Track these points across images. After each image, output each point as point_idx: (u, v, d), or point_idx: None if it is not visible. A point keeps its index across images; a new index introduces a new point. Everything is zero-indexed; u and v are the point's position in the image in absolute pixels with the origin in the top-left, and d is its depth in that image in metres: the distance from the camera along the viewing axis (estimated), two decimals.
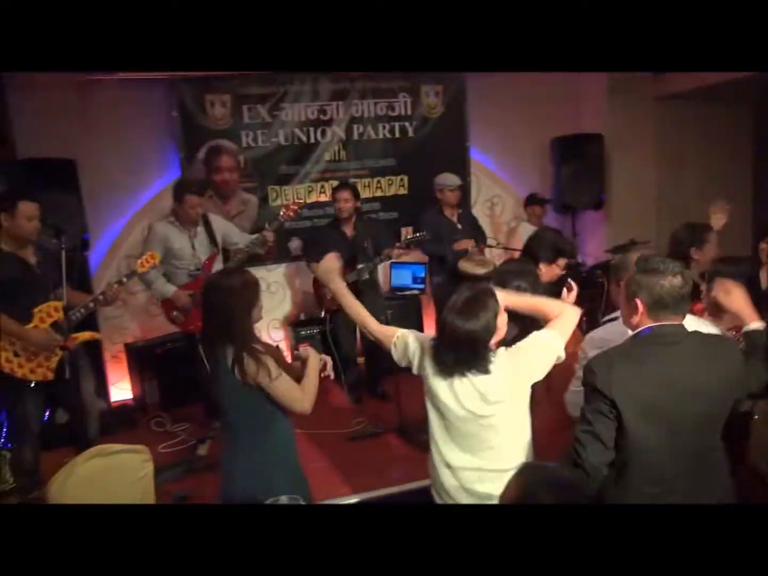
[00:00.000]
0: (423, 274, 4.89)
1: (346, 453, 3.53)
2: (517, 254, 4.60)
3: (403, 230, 5.12)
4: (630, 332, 1.75)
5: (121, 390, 4.60)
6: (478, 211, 5.20)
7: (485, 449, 1.86)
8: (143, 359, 4.37)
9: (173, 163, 4.56)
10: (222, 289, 2.00)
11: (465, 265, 4.17)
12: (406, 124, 5.00)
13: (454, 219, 4.52)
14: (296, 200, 4.72)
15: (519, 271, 2.20)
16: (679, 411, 1.63)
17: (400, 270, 4.95)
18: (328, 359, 2.21)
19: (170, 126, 4.50)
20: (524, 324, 1.95)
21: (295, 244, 4.90)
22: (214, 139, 4.57)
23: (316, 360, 2.11)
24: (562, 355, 1.84)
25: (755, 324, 1.94)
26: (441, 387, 1.85)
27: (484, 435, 1.84)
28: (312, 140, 4.79)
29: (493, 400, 1.79)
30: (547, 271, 2.55)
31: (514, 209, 5.46)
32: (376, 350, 2.23)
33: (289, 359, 3.01)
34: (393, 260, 4.36)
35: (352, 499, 3.06)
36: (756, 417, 2.28)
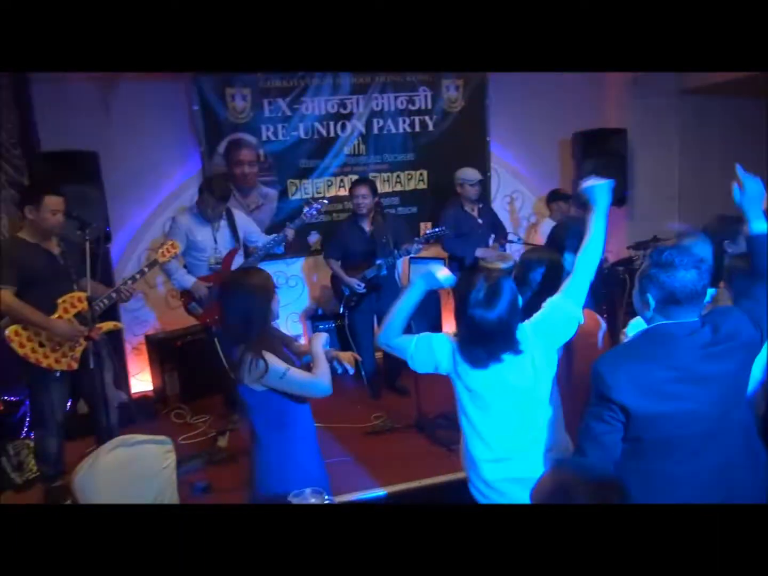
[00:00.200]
0: None
1: (364, 448, 3.53)
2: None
3: (422, 225, 5.09)
4: None
5: (141, 381, 4.64)
6: (498, 206, 5.16)
7: (528, 430, 1.87)
8: (164, 351, 4.40)
9: (194, 156, 4.58)
10: (236, 289, 2.00)
11: (485, 261, 4.16)
12: (427, 118, 4.97)
13: (475, 214, 4.49)
14: (317, 196, 4.72)
15: (544, 259, 2.18)
16: (692, 398, 1.58)
17: (418, 265, 4.91)
18: (351, 356, 2.21)
19: (191, 119, 4.52)
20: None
21: (314, 238, 4.90)
22: (234, 132, 4.58)
23: (317, 341, 2.09)
24: (581, 317, 1.86)
25: (763, 225, 1.80)
26: (478, 379, 1.84)
27: (527, 414, 1.86)
28: (332, 134, 4.78)
29: (529, 375, 1.82)
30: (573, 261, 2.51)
31: (534, 204, 5.41)
32: None
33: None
34: (412, 255, 4.34)
35: (370, 494, 3.06)
36: None
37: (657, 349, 1.61)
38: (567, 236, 2.50)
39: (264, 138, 4.65)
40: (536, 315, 1.90)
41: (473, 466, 1.96)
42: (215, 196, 3.73)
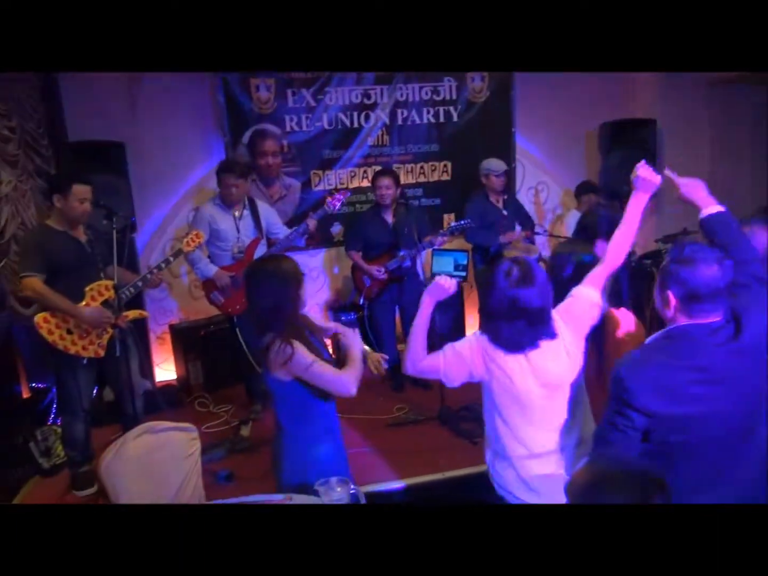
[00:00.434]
0: (465, 261, 4.81)
1: (387, 439, 3.52)
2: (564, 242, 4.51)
3: (446, 217, 5.06)
4: None
5: (165, 370, 4.69)
6: (522, 198, 5.09)
7: (562, 424, 1.86)
8: (187, 340, 4.43)
9: (218, 147, 4.59)
10: (264, 276, 1.98)
11: (510, 252, 4.12)
12: (451, 108, 4.91)
13: (500, 205, 4.44)
14: (340, 187, 4.70)
15: (576, 252, 2.14)
16: (718, 399, 1.54)
17: (441, 257, 4.88)
18: (379, 359, 2.19)
19: (215, 110, 4.53)
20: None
21: (336, 229, 4.89)
22: (258, 123, 4.58)
23: (356, 341, 2.07)
24: (601, 303, 1.88)
25: (713, 208, 1.83)
26: (514, 371, 1.82)
27: (560, 407, 1.85)
28: (356, 125, 4.76)
29: (564, 362, 1.82)
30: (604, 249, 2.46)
31: (560, 196, 5.33)
32: None
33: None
34: (435, 247, 4.31)
35: (391, 486, 3.06)
36: None
37: (680, 350, 1.56)
38: (597, 224, 2.46)
39: (288, 128, 4.64)
40: (562, 303, 1.91)
41: (508, 465, 1.92)
42: (235, 172, 3.72)
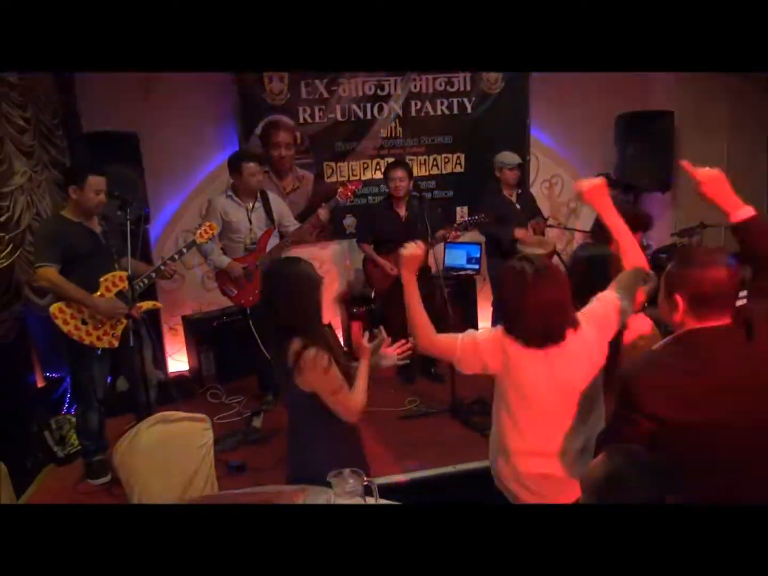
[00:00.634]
0: (478, 255, 4.81)
1: (398, 432, 3.52)
2: (578, 235, 4.47)
3: (458, 209, 5.03)
4: None
5: (177, 361, 4.72)
6: (537, 191, 5.05)
7: (570, 428, 1.84)
8: (200, 332, 4.45)
9: (231, 138, 4.58)
10: (288, 279, 1.93)
11: (524, 245, 4.08)
12: (465, 100, 4.87)
13: (513, 199, 4.40)
14: (352, 179, 4.69)
15: (595, 256, 2.11)
16: (730, 406, 1.49)
17: (454, 250, 4.87)
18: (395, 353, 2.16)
19: (229, 101, 4.52)
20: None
21: (349, 221, 4.88)
22: (271, 114, 4.57)
23: (366, 367, 2.03)
24: (631, 310, 1.87)
25: (744, 211, 1.72)
26: (529, 371, 1.80)
27: (572, 411, 1.83)
28: (369, 116, 4.73)
29: (584, 365, 1.80)
30: None
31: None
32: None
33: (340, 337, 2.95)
34: (447, 241, 4.28)
35: (403, 478, 3.06)
36: None
37: (690, 355, 1.53)
38: None
39: (301, 120, 4.62)
40: (586, 307, 1.87)
41: (506, 459, 1.92)
42: (260, 161, 3.72)
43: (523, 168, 4.70)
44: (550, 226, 4.42)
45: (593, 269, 2.13)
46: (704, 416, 1.50)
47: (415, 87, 4.76)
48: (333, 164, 4.77)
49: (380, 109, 4.74)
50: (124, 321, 3.01)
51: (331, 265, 4.98)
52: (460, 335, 1.90)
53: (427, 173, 4.94)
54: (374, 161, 4.82)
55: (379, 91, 4.71)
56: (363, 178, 4.77)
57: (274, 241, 3.84)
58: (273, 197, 3.95)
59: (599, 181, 1.98)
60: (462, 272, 4.82)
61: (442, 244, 4.65)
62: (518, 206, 4.38)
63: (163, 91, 4.35)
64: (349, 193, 3.82)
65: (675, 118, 4.93)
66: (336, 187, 4.16)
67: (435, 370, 4.22)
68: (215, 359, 4.43)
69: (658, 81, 5.06)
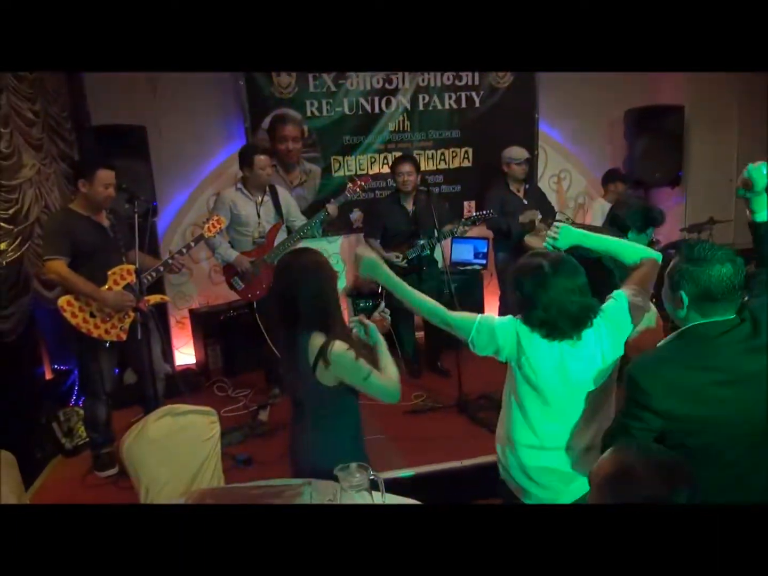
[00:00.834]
0: (485, 249, 4.79)
1: (405, 426, 3.52)
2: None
3: (466, 204, 5.01)
4: None
5: (184, 354, 4.73)
6: (544, 186, 5.02)
7: (579, 424, 1.83)
8: (207, 325, 4.46)
9: (238, 132, 4.58)
10: (308, 272, 1.88)
11: (531, 240, 4.07)
12: (473, 94, 4.84)
13: (520, 194, 4.38)
14: (361, 174, 4.68)
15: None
16: (737, 400, 1.50)
17: (461, 245, 4.86)
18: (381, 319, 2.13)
19: (236, 95, 4.51)
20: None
21: (356, 215, 4.87)
22: (279, 108, 4.56)
23: (384, 342, 2.00)
24: (647, 307, 1.86)
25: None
26: (543, 365, 1.79)
27: (582, 407, 1.83)
28: (376, 110, 4.71)
29: (597, 362, 1.79)
30: (637, 242, 2.41)
31: (584, 185, 5.25)
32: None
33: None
34: (455, 236, 4.27)
35: (409, 473, 3.06)
36: None
37: (695, 350, 1.53)
38: (628, 215, 2.40)
39: (308, 114, 4.62)
40: (606, 304, 1.85)
41: (511, 450, 1.92)
42: (269, 154, 3.74)
43: (531, 163, 4.68)
44: (558, 220, 4.39)
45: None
46: (713, 411, 1.50)
47: (423, 81, 4.74)
48: (340, 158, 4.76)
49: (388, 102, 4.72)
50: (132, 314, 3.03)
51: (339, 258, 4.98)
52: (478, 316, 1.89)
53: (434, 167, 4.92)
54: (381, 155, 4.80)
55: (387, 85, 4.69)
56: (370, 172, 4.76)
57: (281, 236, 3.85)
58: (282, 192, 3.95)
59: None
60: (469, 267, 4.81)
61: (449, 239, 4.65)
62: (525, 201, 4.36)
63: (171, 85, 4.35)
64: (357, 188, 3.81)
65: (685, 112, 4.88)
66: (346, 181, 4.16)
67: (441, 364, 4.22)
68: (222, 353, 4.45)
69: (667, 76, 5.01)
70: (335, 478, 1.75)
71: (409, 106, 4.76)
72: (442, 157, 4.93)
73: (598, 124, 5.10)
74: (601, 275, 2.03)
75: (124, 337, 3.07)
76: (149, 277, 3.08)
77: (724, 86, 4.86)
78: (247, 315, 4.05)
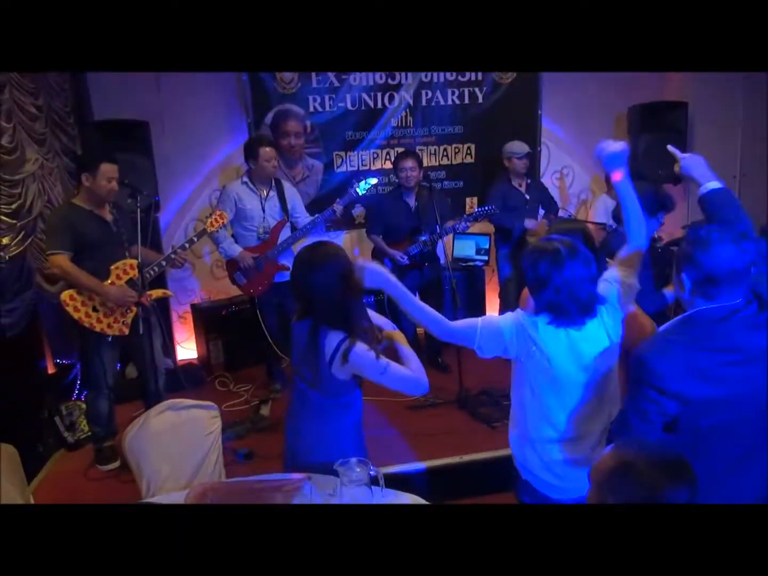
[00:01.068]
0: (487, 246, 4.79)
1: (406, 422, 3.53)
2: (591, 227, 4.44)
3: (468, 200, 5.01)
4: None
5: (186, 349, 4.75)
6: (547, 182, 5.01)
7: (597, 408, 1.85)
8: (209, 320, 4.47)
9: (241, 127, 4.57)
10: (332, 266, 1.87)
11: (533, 236, 4.07)
12: (476, 89, 4.82)
13: (522, 189, 4.38)
14: (363, 169, 4.68)
15: (567, 230, 2.11)
16: (748, 379, 1.50)
17: (463, 241, 4.85)
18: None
19: (239, 90, 4.51)
20: None
21: (357, 210, 4.87)
22: (282, 103, 4.55)
23: (401, 335, 2.00)
24: (638, 287, 1.91)
25: (712, 184, 1.83)
26: (556, 353, 1.80)
27: (597, 391, 1.84)
28: (379, 105, 4.70)
29: (605, 341, 1.82)
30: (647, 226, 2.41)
31: (586, 181, 5.24)
32: None
33: None
34: (458, 232, 4.26)
35: (410, 468, 3.07)
36: None
37: (704, 332, 1.53)
38: (640, 199, 2.37)
39: (311, 109, 4.61)
40: (601, 286, 1.88)
41: (533, 448, 1.90)
42: (275, 146, 3.74)
43: (533, 157, 4.67)
44: (561, 217, 4.39)
45: None
46: (726, 390, 1.50)
47: (426, 76, 4.72)
48: (343, 154, 4.75)
49: (391, 98, 4.71)
50: (135, 309, 3.03)
51: None
52: (478, 320, 1.89)
53: (437, 163, 4.91)
54: (384, 151, 4.80)
55: (389, 80, 4.67)
56: (372, 167, 4.76)
57: (285, 233, 3.85)
58: (288, 187, 3.95)
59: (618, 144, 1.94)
60: (471, 263, 4.80)
61: (450, 235, 4.65)
62: (527, 196, 4.36)
63: (174, 80, 4.35)
64: (365, 189, 3.81)
65: (689, 109, 4.86)
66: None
67: (441, 359, 4.23)
68: (224, 348, 4.46)
69: (672, 73, 5.00)
70: (335, 473, 1.75)
71: (411, 102, 4.75)
72: (445, 153, 4.92)
73: (601, 120, 5.07)
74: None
75: (126, 331, 3.08)
76: (151, 272, 3.09)
77: (728, 84, 4.83)
78: (249, 310, 4.06)
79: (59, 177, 3.79)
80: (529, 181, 4.43)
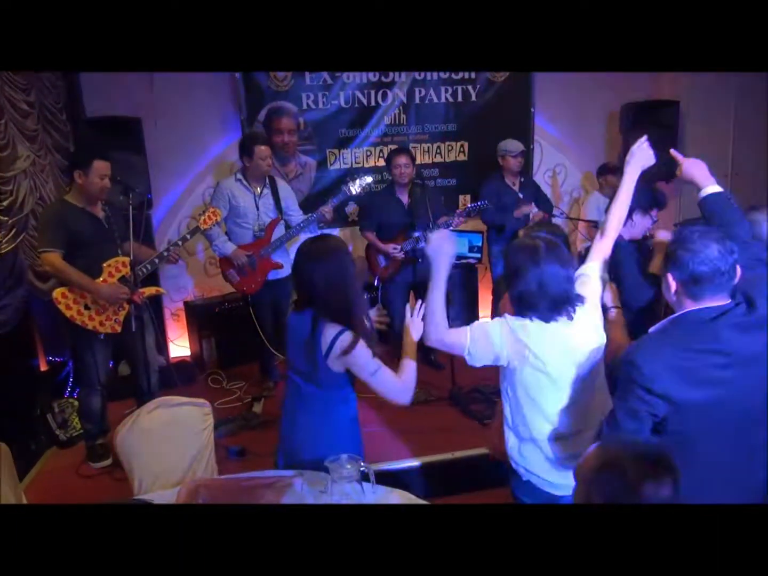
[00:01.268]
0: (480, 243, 4.79)
1: (397, 419, 3.53)
2: (581, 224, 4.46)
3: (461, 198, 5.02)
4: None
5: (179, 346, 4.74)
6: (540, 180, 5.03)
7: (590, 402, 1.87)
8: (202, 317, 4.47)
9: (234, 124, 4.57)
10: (338, 259, 1.89)
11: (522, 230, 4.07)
12: (470, 87, 4.83)
13: (515, 187, 4.39)
14: (356, 167, 4.69)
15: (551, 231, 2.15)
16: (735, 382, 1.51)
17: (456, 238, 4.86)
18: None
19: (232, 87, 4.50)
20: None
21: (351, 208, 4.87)
22: (275, 100, 4.54)
23: (414, 346, 1.99)
24: (606, 278, 1.99)
25: (712, 188, 1.88)
26: (549, 353, 1.81)
27: (589, 384, 1.86)
28: (372, 103, 4.70)
29: (592, 333, 1.86)
30: (641, 223, 2.42)
31: (578, 179, 5.26)
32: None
33: None
34: (451, 228, 4.27)
35: (401, 465, 3.08)
36: None
37: (693, 334, 1.54)
38: (634, 196, 2.38)
39: (304, 106, 4.60)
40: (576, 283, 1.91)
41: (534, 447, 1.91)
42: (269, 144, 3.74)
43: (527, 156, 4.68)
44: (553, 215, 4.40)
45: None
46: (714, 393, 1.51)
47: (420, 74, 4.73)
48: (336, 151, 4.75)
49: (384, 96, 4.71)
50: (127, 306, 3.03)
51: None
52: (468, 327, 1.90)
53: (430, 161, 4.92)
54: (377, 149, 4.80)
55: (383, 78, 4.68)
56: (366, 165, 4.76)
57: (279, 231, 3.85)
58: (282, 185, 3.94)
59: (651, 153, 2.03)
60: (464, 260, 4.81)
61: None
62: (521, 194, 4.37)
63: (167, 77, 4.33)
64: (358, 189, 3.81)
65: (680, 107, 4.89)
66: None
67: (435, 357, 4.24)
68: (217, 345, 4.46)
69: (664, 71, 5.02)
70: (326, 470, 1.76)
71: (405, 100, 4.75)
72: (438, 151, 4.93)
73: (594, 118, 5.10)
74: None
75: (118, 329, 3.07)
76: (144, 270, 3.09)
77: (720, 82, 4.86)
78: (242, 308, 4.06)
79: (51, 174, 3.78)
80: (522, 179, 4.44)
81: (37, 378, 3.68)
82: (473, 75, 4.82)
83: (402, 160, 4.00)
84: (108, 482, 3.07)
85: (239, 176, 3.78)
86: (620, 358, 1.63)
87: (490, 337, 1.85)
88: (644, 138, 2.03)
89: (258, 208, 3.77)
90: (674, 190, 5.09)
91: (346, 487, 1.74)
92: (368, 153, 4.80)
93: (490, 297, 4.64)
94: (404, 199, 4.13)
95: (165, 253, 3.16)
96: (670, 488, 1.09)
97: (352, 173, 4.25)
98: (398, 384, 1.93)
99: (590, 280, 1.94)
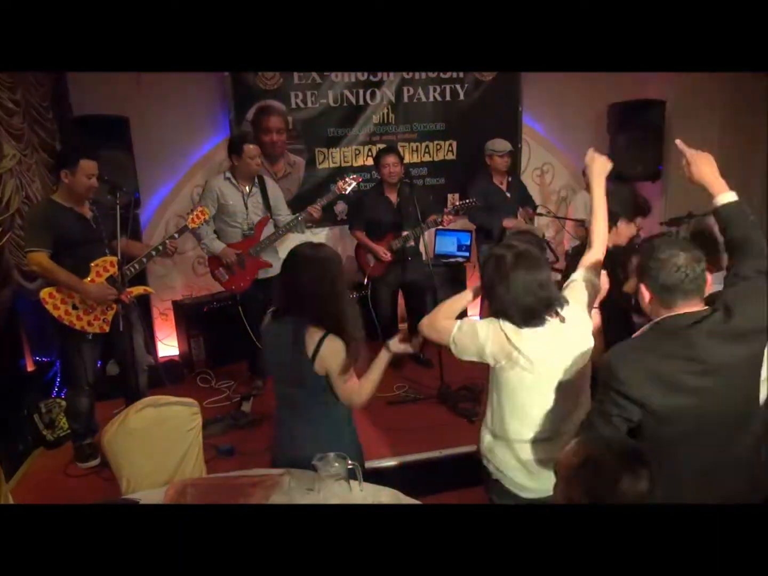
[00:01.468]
0: (468, 242, 4.83)
1: (386, 417, 3.56)
2: (569, 223, 4.49)
3: (450, 196, 5.04)
4: None
5: (168, 346, 4.73)
6: (528, 179, 5.07)
7: (573, 408, 1.88)
8: (190, 317, 4.45)
9: (223, 123, 4.56)
10: (323, 264, 1.93)
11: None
12: (458, 86, 4.85)
13: (503, 187, 4.42)
14: (345, 167, 4.70)
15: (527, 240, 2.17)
16: (709, 390, 1.53)
17: (445, 237, 4.89)
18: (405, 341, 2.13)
19: (220, 86, 4.49)
20: None
21: (340, 207, 4.88)
22: (263, 99, 4.54)
23: (385, 359, 2.05)
24: (598, 286, 2.00)
25: (727, 196, 1.77)
26: (537, 355, 1.81)
27: (574, 389, 1.87)
28: (361, 102, 4.71)
29: (578, 336, 1.86)
30: (625, 231, 2.43)
31: (566, 177, 5.29)
32: (420, 316, 2.17)
33: None
34: (439, 227, 4.30)
35: (390, 462, 3.10)
36: None
37: (669, 341, 1.55)
38: (618, 204, 2.37)
39: (293, 105, 4.60)
40: (565, 289, 1.95)
41: (507, 447, 1.92)
42: (258, 143, 3.76)
43: (514, 155, 4.71)
44: (540, 214, 4.43)
45: None
46: (688, 400, 1.53)
47: (408, 73, 4.74)
48: (325, 150, 4.75)
49: (373, 95, 4.72)
50: (115, 306, 3.02)
51: None
52: (458, 320, 1.94)
53: (419, 160, 4.94)
54: (366, 147, 4.81)
55: (371, 77, 4.68)
56: (354, 164, 4.77)
57: (269, 230, 3.84)
58: (271, 184, 3.95)
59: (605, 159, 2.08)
60: (452, 259, 4.84)
61: (432, 232, 4.68)
62: (508, 194, 4.40)
63: (154, 75, 4.31)
64: (347, 187, 3.82)
65: (666, 107, 4.93)
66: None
67: (423, 355, 4.26)
68: (205, 344, 4.44)
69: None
70: (314, 468, 1.77)
71: (393, 99, 4.76)
72: (426, 150, 4.94)
73: (581, 117, 5.13)
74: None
75: (106, 329, 3.07)
76: (132, 269, 3.08)
77: (706, 81, 4.90)
78: (231, 307, 4.06)
79: (38, 173, 3.75)
80: (510, 178, 4.47)
81: (24, 378, 3.65)
82: (461, 74, 4.83)
83: (390, 159, 4.01)
84: (96, 482, 3.06)
85: (228, 175, 3.78)
86: (598, 363, 1.65)
87: (476, 331, 1.87)
88: (591, 149, 2.11)
89: (247, 207, 3.77)
90: (660, 190, 5.16)
91: (333, 485, 1.75)
92: (357, 152, 4.81)
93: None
94: (393, 198, 4.14)
95: (153, 254, 3.15)
96: (646, 482, 1.11)
97: (341, 172, 4.26)
98: (354, 391, 1.98)
99: (579, 285, 1.96)
